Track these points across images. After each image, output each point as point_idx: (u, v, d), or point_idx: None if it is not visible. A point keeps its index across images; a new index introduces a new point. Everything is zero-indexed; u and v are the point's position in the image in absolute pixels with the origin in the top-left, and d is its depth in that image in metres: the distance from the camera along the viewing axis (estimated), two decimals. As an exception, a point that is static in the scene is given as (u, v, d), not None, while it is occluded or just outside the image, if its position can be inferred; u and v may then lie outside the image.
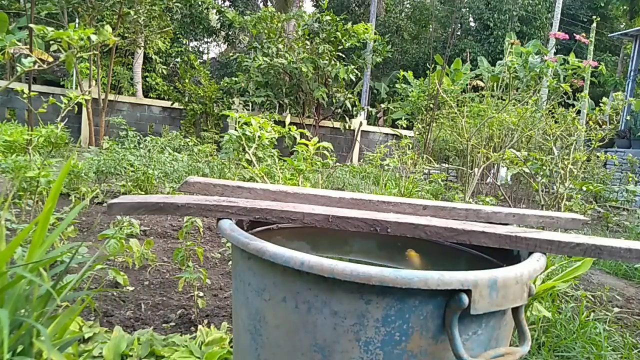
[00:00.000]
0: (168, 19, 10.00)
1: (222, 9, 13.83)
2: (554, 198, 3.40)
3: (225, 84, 9.46)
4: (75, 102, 2.54)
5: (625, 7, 18.88)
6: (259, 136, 2.69)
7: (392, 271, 0.61)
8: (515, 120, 4.60)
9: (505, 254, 0.93)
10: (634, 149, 7.86)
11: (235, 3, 18.31)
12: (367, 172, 6.64)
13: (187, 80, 9.65)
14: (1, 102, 8.79)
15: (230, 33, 16.90)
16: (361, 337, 0.66)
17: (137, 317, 1.64)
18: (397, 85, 11.75)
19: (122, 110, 9.73)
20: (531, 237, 0.82)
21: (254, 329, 0.77)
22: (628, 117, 8.55)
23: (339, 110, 10.03)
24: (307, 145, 2.67)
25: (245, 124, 2.73)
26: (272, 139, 2.83)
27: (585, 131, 4.46)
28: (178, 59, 13.98)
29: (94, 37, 2.56)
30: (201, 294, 1.89)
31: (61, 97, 2.69)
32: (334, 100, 9.73)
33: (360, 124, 10.77)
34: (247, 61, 9.26)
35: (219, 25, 16.23)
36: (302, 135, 2.97)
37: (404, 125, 10.48)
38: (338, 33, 9.40)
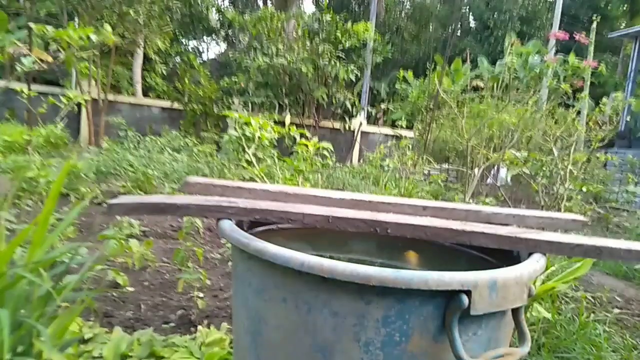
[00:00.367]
0: (168, 18, 9.97)
1: (222, 9, 13.83)
2: (553, 199, 3.40)
3: (225, 84, 9.45)
4: (75, 102, 2.54)
5: (625, 7, 18.89)
6: (258, 136, 2.69)
7: (392, 272, 0.61)
8: (515, 121, 4.60)
9: (505, 254, 0.93)
10: (634, 149, 7.88)
11: (235, 3, 18.30)
12: (367, 173, 6.63)
13: (186, 80, 9.64)
14: (0, 102, 8.78)
15: (230, 33, 16.88)
16: (361, 337, 0.66)
17: (137, 317, 1.64)
18: (397, 85, 11.74)
19: (122, 110, 9.71)
20: (531, 237, 0.82)
21: (254, 329, 0.77)
22: (628, 118, 8.55)
23: (339, 110, 10.01)
24: (307, 145, 2.68)
25: (245, 124, 2.73)
26: (271, 139, 2.83)
27: (585, 132, 4.46)
28: (178, 59, 13.96)
29: (93, 37, 2.57)
30: (201, 294, 1.89)
31: (60, 97, 2.69)
32: (334, 101, 9.71)
33: (360, 124, 10.76)
34: (247, 61, 9.26)
35: (218, 25, 16.21)
36: (302, 136, 2.97)
37: (404, 126, 10.48)
38: (338, 33, 9.39)
